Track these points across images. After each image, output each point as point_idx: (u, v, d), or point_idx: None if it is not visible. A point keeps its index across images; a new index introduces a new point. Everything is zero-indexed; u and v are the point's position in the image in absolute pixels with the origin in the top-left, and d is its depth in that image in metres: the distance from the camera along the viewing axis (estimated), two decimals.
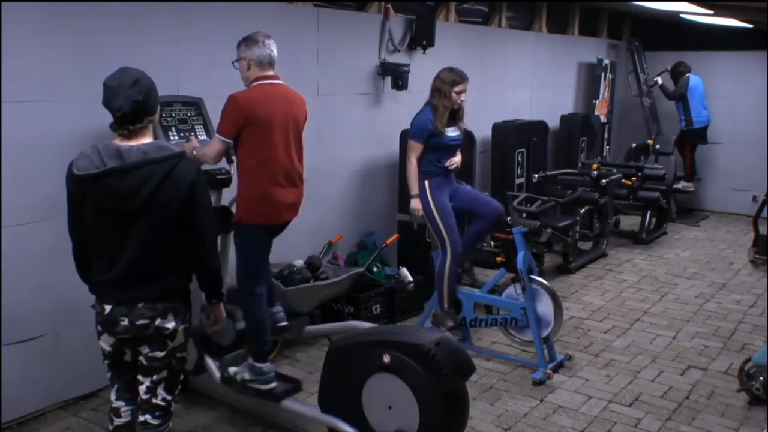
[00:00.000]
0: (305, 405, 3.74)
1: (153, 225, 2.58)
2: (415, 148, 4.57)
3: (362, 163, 5.76)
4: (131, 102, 2.54)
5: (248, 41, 3.56)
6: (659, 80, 8.89)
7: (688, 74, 8.72)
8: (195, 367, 3.94)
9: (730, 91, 9.28)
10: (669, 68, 8.89)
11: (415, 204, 4.61)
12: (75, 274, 2.78)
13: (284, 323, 3.98)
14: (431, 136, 4.53)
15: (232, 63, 3.65)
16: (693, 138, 8.89)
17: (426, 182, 4.58)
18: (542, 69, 8.13)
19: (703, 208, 9.58)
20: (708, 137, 9.00)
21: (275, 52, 3.59)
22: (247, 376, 3.72)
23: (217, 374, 3.84)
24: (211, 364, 3.87)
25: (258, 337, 3.74)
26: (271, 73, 3.60)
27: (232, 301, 3.87)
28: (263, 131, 3.49)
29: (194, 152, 3.55)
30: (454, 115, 4.61)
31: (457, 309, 4.71)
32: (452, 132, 4.61)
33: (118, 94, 2.53)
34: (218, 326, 3.03)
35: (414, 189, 4.61)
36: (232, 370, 3.78)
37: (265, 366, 3.72)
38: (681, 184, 8.76)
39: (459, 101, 4.54)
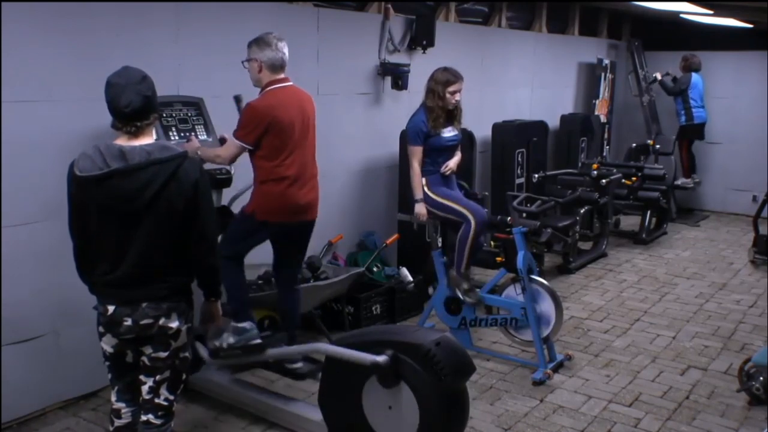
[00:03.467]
0: (292, 401, 3.76)
1: (157, 225, 2.57)
2: (416, 153, 4.56)
3: (362, 163, 5.76)
4: (142, 97, 2.54)
5: (260, 43, 3.56)
6: (658, 76, 8.89)
7: (690, 72, 8.73)
8: (191, 365, 3.92)
9: (730, 91, 9.28)
10: (669, 72, 8.90)
11: (419, 208, 4.60)
12: (75, 274, 2.77)
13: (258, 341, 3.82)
14: (427, 137, 4.52)
15: (242, 63, 3.65)
16: (692, 134, 8.88)
17: (423, 179, 4.58)
18: (542, 69, 8.13)
19: (703, 208, 9.58)
20: (705, 137, 9.00)
21: (287, 54, 3.60)
22: (231, 339, 3.71)
23: (206, 353, 3.82)
24: (199, 347, 3.84)
25: (236, 298, 3.74)
26: (282, 76, 3.61)
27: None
28: (283, 136, 3.54)
29: (198, 152, 3.57)
30: (451, 115, 4.60)
31: (457, 309, 4.72)
32: (449, 132, 4.60)
33: (126, 89, 2.52)
34: (212, 322, 3.03)
35: (418, 194, 4.60)
36: (216, 342, 3.76)
37: (246, 324, 3.71)
38: (680, 180, 8.76)
39: (454, 101, 4.52)
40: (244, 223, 3.72)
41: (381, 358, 3.13)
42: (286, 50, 3.59)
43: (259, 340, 3.73)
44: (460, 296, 4.60)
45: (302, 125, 3.63)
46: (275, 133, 3.51)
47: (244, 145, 3.54)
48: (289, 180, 3.59)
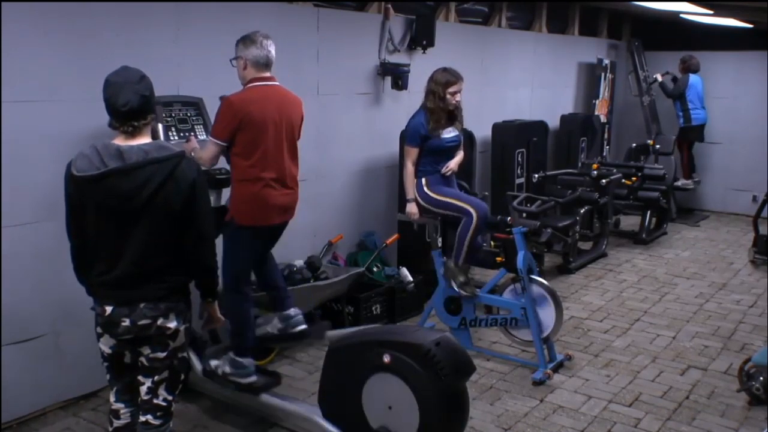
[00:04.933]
0: (292, 401, 3.77)
1: (154, 225, 2.57)
2: (411, 153, 4.56)
3: (362, 163, 5.76)
4: (140, 96, 2.54)
5: (246, 41, 3.57)
6: (659, 77, 8.90)
7: (688, 73, 8.74)
8: None
9: (730, 91, 9.28)
10: (669, 71, 8.91)
11: (411, 208, 4.61)
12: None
13: (303, 327, 3.92)
14: (426, 139, 4.51)
15: (230, 61, 3.66)
16: (691, 135, 8.90)
17: (423, 179, 4.57)
18: (542, 69, 8.13)
19: (703, 208, 9.58)
20: (705, 137, 9.02)
21: (273, 53, 3.59)
22: (227, 369, 3.74)
23: (199, 367, 3.85)
24: (193, 357, 3.84)
25: (241, 334, 3.74)
26: (267, 74, 3.60)
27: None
28: (257, 133, 3.49)
29: (192, 154, 3.56)
30: (452, 116, 4.59)
31: (457, 309, 4.71)
32: (449, 133, 4.59)
33: (124, 88, 2.52)
34: (212, 325, 3.03)
35: (410, 193, 4.60)
36: (213, 363, 3.79)
37: (246, 360, 3.74)
38: (681, 182, 8.77)
39: (454, 102, 4.51)
40: (231, 240, 3.66)
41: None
42: (272, 48, 3.58)
43: (253, 379, 3.76)
44: (455, 288, 4.58)
45: (279, 126, 3.56)
46: (248, 129, 3.47)
47: (218, 142, 3.50)
48: (264, 182, 3.53)
